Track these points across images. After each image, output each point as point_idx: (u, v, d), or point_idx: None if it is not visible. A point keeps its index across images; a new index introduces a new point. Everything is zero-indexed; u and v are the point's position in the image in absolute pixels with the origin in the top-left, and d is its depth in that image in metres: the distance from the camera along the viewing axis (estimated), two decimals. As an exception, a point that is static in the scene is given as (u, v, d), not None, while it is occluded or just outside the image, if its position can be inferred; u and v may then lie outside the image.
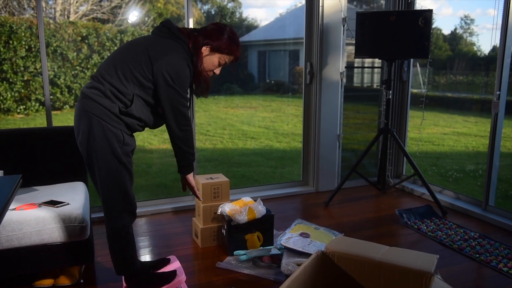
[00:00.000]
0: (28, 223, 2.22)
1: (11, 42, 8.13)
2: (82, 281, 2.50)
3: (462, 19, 11.03)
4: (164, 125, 2.29)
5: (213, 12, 14.94)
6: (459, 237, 3.14)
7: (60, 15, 11.36)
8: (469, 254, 2.89)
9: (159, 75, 2.12)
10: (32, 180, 2.73)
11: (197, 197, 2.55)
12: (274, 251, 2.75)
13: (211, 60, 2.30)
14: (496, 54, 3.45)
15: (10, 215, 2.21)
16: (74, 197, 2.51)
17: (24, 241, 2.22)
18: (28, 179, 2.69)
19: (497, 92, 3.41)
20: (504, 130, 3.60)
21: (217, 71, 2.37)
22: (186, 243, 3.07)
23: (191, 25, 3.55)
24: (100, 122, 2.09)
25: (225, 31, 2.31)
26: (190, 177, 2.40)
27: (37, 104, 8.53)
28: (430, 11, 3.45)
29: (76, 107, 2.21)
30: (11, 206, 2.27)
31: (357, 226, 3.39)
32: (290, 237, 2.77)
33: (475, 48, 10.91)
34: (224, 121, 9.48)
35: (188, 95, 2.29)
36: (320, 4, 3.91)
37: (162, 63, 2.12)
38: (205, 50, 2.27)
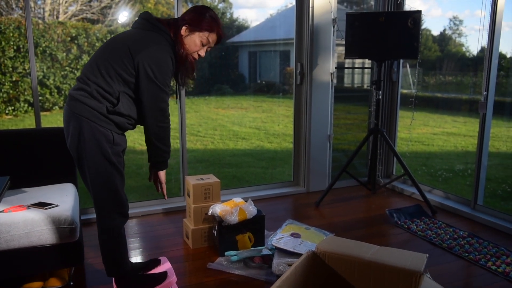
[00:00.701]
0: (17, 225, 2.20)
1: (-1, 42, 8.05)
2: (72, 283, 2.48)
3: (451, 20, 11.12)
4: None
5: (203, 13, 14.91)
6: (448, 236, 3.17)
7: (49, 15, 11.26)
8: (458, 253, 2.91)
9: (141, 69, 2.09)
10: (20, 181, 2.70)
11: (163, 194, 2.47)
12: (265, 251, 2.75)
13: (192, 40, 2.23)
14: (484, 55, 3.48)
15: (-2, 217, 2.18)
16: (64, 198, 2.48)
17: (13, 243, 2.19)
18: (17, 180, 2.65)
19: (484, 93, 3.44)
20: (492, 130, 3.64)
21: (202, 52, 2.29)
22: (177, 244, 3.06)
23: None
24: (89, 123, 2.08)
25: (203, 10, 2.25)
26: (162, 173, 2.36)
27: (26, 105, 8.45)
28: (419, 12, 3.47)
29: (65, 109, 2.19)
30: (-1, 208, 2.25)
31: (348, 226, 3.40)
32: (281, 238, 2.77)
33: (464, 49, 11.00)
34: (215, 121, 9.47)
35: (171, 89, 2.26)
36: (310, 5, 3.92)
37: (144, 56, 2.09)
38: (184, 31, 2.22)
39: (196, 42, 2.24)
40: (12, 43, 8.15)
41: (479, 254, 2.88)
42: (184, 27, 2.21)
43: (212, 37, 2.26)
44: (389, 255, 1.93)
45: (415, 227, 3.37)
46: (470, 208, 3.66)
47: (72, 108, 2.12)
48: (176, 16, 3.53)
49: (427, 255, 1.95)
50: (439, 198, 3.94)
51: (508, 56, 7.84)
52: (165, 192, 2.44)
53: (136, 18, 2.27)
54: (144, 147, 2.31)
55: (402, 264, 1.84)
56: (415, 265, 1.83)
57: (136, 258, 2.87)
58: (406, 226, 3.38)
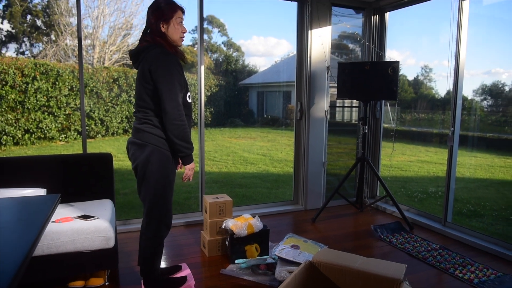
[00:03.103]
0: (65, 233, 2.20)
1: (57, 83, 8.24)
2: (107, 283, 2.46)
3: (422, 68, 11.24)
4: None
5: (220, 60, 15.17)
6: (423, 249, 3.10)
7: (97, 61, 11.54)
8: (431, 263, 2.85)
9: (153, 76, 2.01)
10: (69, 197, 2.72)
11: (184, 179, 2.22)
12: (270, 260, 2.70)
13: (172, 28, 2.10)
14: (450, 97, 3.49)
15: (50, 226, 2.19)
16: (103, 212, 2.48)
17: (61, 248, 2.20)
18: (66, 196, 2.69)
19: (452, 129, 3.43)
20: (458, 158, 3.61)
21: (183, 29, 2.15)
22: (195, 252, 3.02)
23: (202, 72, 3.59)
24: (156, 149, 2.07)
25: (157, 4, 2.11)
26: (188, 167, 2.16)
27: (76, 133, 8.56)
28: (397, 62, 3.51)
29: (131, 141, 2.15)
30: (51, 219, 2.25)
31: (339, 239, 3.35)
32: (283, 249, 2.73)
33: (434, 92, 11.06)
34: (228, 149, 9.49)
35: (186, 95, 2.14)
36: (309, 55, 3.98)
37: (152, 65, 2.01)
38: (163, 27, 2.09)
39: (175, 27, 2.11)
40: (67, 84, 8.34)
41: (448, 264, 2.82)
42: (160, 25, 2.08)
43: (179, 14, 2.13)
44: (374, 265, 1.90)
45: (395, 240, 3.31)
46: (441, 225, 3.59)
47: (140, 138, 2.09)
48: (198, 62, 3.57)
49: (406, 265, 1.91)
50: (415, 216, 3.88)
51: (469, 98, 7.86)
52: (185, 181, 2.21)
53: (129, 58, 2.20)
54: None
55: (385, 273, 1.80)
56: (396, 274, 1.80)
57: (161, 263, 2.83)
58: (388, 240, 3.32)
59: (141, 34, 2.17)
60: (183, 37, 2.16)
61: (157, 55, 2.02)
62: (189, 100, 2.18)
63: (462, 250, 3.10)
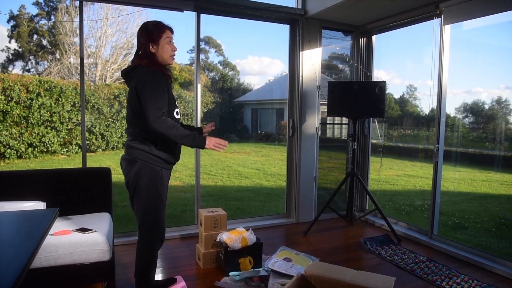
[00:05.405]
0: (63, 246, 2.15)
1: (60, 99, 8.22)
2: (103, 296, 2.39)
3: (407, 87, 11.41)
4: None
5: (217, 78, 15.27)
6: (411, 261, 3.07)
7: (99, 79, 11.54)
8: (419, 274, 2.82)
9: (139, 91, 1.98)
10: (67, 210, 2.67)
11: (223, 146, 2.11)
12: (263, 272, 2.66)
13: (162, 48, 2.08)
14: (434, 114, 3.52)
15: (48, 239, 2.14)
16: (100, 225, 2.43)
17: (59, 261, 2.14)
18: (65, 209, 2.63)
19: (436, 145, 3.45)
20: (443, 173, 3.61)
21: (173, 47, 2.13)
22: (190, 265, 2.96)
23: (199, 89, 3.59)
24: (146, 164, 2.05)
25: (146, 27, 2.10)
26: (209, 143, 2.06)
27: (77, 148, 8.50)
28: (384, 82, 3.54)
29: (123, 158, 2.15)
30: (50, 232, 2.20)
31: (330, 252, 3.31)
32: (275, 261, 2.69)
33: (418, 109, 11.20)
34: (224, 163, 9.45)
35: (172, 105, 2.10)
36: (300, 74, 4.01)
37: (138, 82, 1.99)
38: (153, 48, 2.07)
39: (165, 47, 2.09)
40: (69, 100, 8.31)
41: (435, 276, 2.78)
42: (150, 46, 2.07)
43: (167, 34, 2.11)
44: (364, 278, 1.87)
45: (384, 252, 3.27)
46: (427, 237, 3.57)
47: (130, 155, 2.09)
48: (195, 80, 3.58)
49: (395, 278, 1.89)
50: (403, 229, 3.85)
51: (452, 115, 7.96)
52: (220, 151, 2.11)
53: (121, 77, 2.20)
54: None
55: (375, 286, 1.77)
56: (386, 286, 1.76)
57: (157, 275, 2.77)
58: (377, 252, 3.29)
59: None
60: (174, 55, 2.14)
61: (144, 73, 2.01)
62: (177, 116, 2.16)
63: (448, 262, 3.07)
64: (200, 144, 2.05)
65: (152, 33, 2.07)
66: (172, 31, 2.14)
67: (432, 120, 3.48)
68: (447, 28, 3.38)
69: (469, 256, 3.11)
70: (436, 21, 3.41)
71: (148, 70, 2.02)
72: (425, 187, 7.19)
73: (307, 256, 2.99)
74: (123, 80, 2.22)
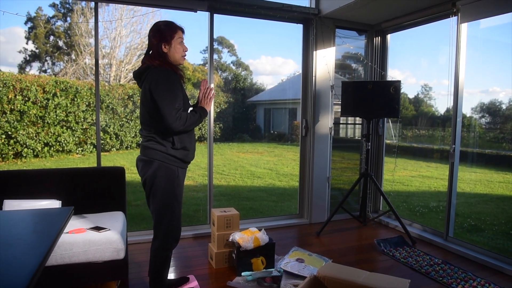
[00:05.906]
0: (78, 244, 2.18)
1: (75, 99, 8.35)
2: (117, 294, 2.41)
3: (422, 87, 11.23)
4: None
5: (230, 78, 15.31)
6: (425, 263, 3.02)
7: (114, 79, 11.71)
8: (434, 277, 2.76)
9: (153, 92, 1.99)
10: (82, 208, 2.70)
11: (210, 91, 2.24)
12: (275, 273, 2.65)
13: (173, 48, 2.09)
14: (449, 114, 3.44)
15: (63, 237, 2.17)
16: (114, 224, 2.46)
17: (74, 259, 2.17)
18: (79, 208, 2.67)
19: (453, 146, 3.38)
20: (459, 174, 3.53)
21: (184, 48, 2.14)
22: (203, 264, 2.97)
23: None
24: (162, 164, 2.06)
25: (157, 27, 2.10)
26: (206, 106, 2.21)
27: (92, 147, 8.62)
28: (399, 81, 3.49)
29: (139, 158, 2.16)
30: (64, 230, 2.23)
31: (343, 253, 3.27)
32: (288, 262, 2.67)
33: (433, 109, 11.02)
34: (236, 163, 9.46)
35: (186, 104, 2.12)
36: (313, 74, 3.99)
37: (151, 83, 2.00)
38: (165, 48, 2.07)
39: (176, 48, 2.10)
40: (85, 100, 8.44)
41: (451, 279, 2.72)
42: (162, 47, 2.07)
43: (179, 34, 2.11)
44: (378, 280, 1.84)
45: (398, 254, 3.22)
46: (443, 239, 3.50)
47: (147, 155, 2.09)
48: (208, 80, 3.57)
49: (409, 280, 1.85)
50: (417, 230, 3.79)
51: (468, 115, 7.80)
52: (210, 95, 2.24)
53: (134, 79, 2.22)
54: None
55: (389, 289, 1.74)
56: (400, 290, 1.73)
57: (170, 274, 2.78)
58: (391, 254, 3.24)
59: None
60: (185, 55, 2.15)
61: (157, 74, 2.01)
62: None
63: (464, 265, 3.01)
64: (204, 114, 2.18)
65: (164, 33, 2.08)
66: (183, 31, 2.15)
67: (448, 120, 3.41)
68: (464, 26, 3.30)
69: (485, 259, 3.04)
70: (453, 20, 3.34)
71: (160, 70, 2.02)
72: (440, 188, 7.06)
73: (320, 257, 2.96)
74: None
